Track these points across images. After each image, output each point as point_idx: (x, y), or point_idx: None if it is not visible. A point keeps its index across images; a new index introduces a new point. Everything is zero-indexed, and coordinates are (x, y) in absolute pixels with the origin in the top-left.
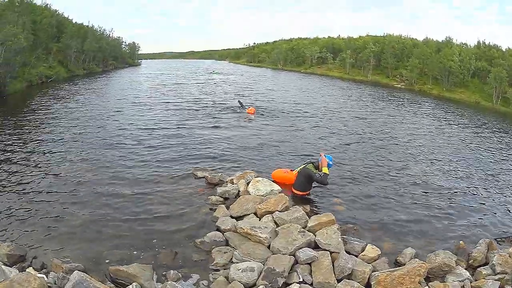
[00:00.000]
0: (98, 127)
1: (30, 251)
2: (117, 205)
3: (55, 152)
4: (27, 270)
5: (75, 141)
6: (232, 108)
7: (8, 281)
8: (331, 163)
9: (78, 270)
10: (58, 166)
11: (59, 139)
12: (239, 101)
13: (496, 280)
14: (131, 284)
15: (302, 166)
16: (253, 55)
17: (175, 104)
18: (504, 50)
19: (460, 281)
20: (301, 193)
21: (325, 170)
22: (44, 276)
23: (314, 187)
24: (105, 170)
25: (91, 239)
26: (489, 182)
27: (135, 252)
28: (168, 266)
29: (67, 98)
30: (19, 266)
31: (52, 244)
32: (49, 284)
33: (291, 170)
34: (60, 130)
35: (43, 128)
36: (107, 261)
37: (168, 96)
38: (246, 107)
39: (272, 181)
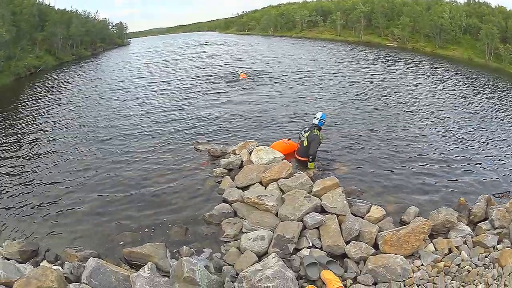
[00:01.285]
0: (94, 112)
1: (42, 245)
2: (122, 187)
3: (54, 141)
4: (41, 264)
5: (72, 129)
6: (226, 78)
7: (24, 278)
8: (323, 121)
9: (93, 257)
10: (58, 155)
11: (56, 129)
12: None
13: (495, 234)
14: (146, 264)
15: (309, 132)
16: (242, 24)
17: (169, 80)
18: (493, 7)
19: (462, 237)
20: (312, 161)
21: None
22: (60, 267)
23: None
24: (105, 154)
25: (101, 224)
26: (486, 140)
27: (146, 232)
28: (180, 242)
29: (58, 87)
30: (33, 262)
31: (63, 234)
32: (65, 275)
33: (289, 139)
34: (56, 119)
35: (37, 120)
36: (120, 243)
37: (161, 73)
38: (239, 73)
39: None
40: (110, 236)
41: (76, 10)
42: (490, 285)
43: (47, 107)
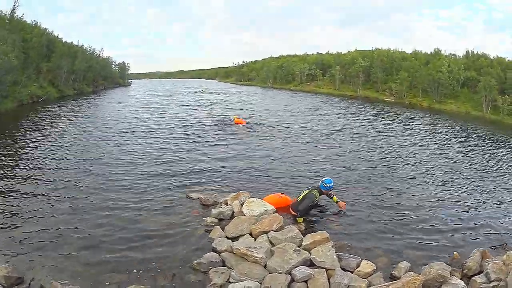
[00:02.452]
0: (90, 149)
1: (28, 273)
2: (113, 227)
3: (48, 173)
4: None
5: (67, 163)
6: (221, 124)
7: None
8: (331, 185)
9: None
10: (52, 188)
11: (51, 160)
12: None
13: (491, 287)
14: None
15: (308, 191)
16: (242, 74)
17: (165, 126)
18: (492, 58)
19: None
20: (300, 216)
21: (335, 198)
22: None
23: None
24: (98, 193)
25: (89, 261)
26: (480, 192)
27: (133, 274)
28: (167, 287)
29: (58, 119)
30: None
31: (50, 265)
32: None
33: (283, 193)
34: (52, 151)
35: (35, 148)
36: (106, 283)
37: (158, 118)
38: (233, 118)
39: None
40: (97, 274)
41: (82, 45)
42: None
43: (44, 138)
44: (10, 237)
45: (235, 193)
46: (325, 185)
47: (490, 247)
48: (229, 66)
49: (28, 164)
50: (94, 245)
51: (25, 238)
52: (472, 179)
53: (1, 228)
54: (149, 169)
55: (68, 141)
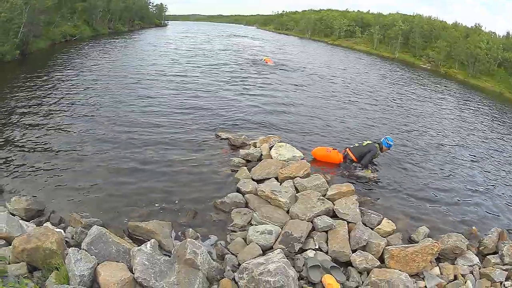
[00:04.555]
0: (120, 87)
1: (48, 206)
2: (138, 162)
3: (75, 110)
4: (44, 224)
5: (96, 100)
6: (254, 64)
7: (25, 235)
8: (392, 144)
9: (97, 225)
10: (80, 123)
11: (80, 98)
12: (259, 58)
13: (504, 270)
14: (149, 240)
15: (370, 142)
16: (281, 23)
17: (199, 67)
18: None
19: (469, 266)
20: (355, 159)
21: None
22: (62, 230)
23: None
24: (127, 128)
25: (111, 195)
26: (508, 173)
27: (154, 210)
28: (187, 224)
29: (88, 57)
30: (37, 221)
31: (71, 199)
32: (66, 239)
33: (334, 149)
34: (80, 88)
35: (63, 86)
36: (126, 217)
37: (193, 59)
38: (264, 59)
39: (312, 159)
40: (118, 208)
41: None
42: None
43: (72, 76)
44: (32, 171)
45: (265, 136)
46: (388, 143)
47: (509, 230)
48: (269, 15)
49: (53, 101)
50: (117, 179)
51: (48, 170)
52: (502, 160)
53: (23, 162)
54: (180, 109)
55: (97, 76)
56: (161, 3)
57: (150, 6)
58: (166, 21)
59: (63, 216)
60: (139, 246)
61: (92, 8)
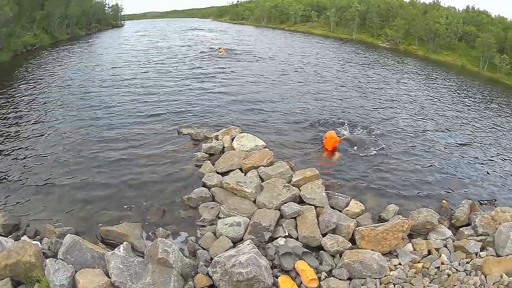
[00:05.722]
0: (82, 91)
1: (23, 219)
2: (104, 166)
3: (41, 119)
4: (22, 238)
5: (60, 107)
6: (211, 58)
7: (5, 251)
8: None
9: (70, 234)
10: (42, 132)
11: (44, 106)
12: (214, 48)
13: (478, 241)
14: (121, 243)
15: None
16: (236, 13)
17: (156, 64)
18: (493, 16)
19: (442, 240)
20: None
21: None
22: (38, 242)
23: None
24: (90, 133)
25: (81, 202)
26: (473, 147)
27: (124, 212)
28: (157, 223)
29: (49, 65)
30: (14, 236)
31: (44, 210)
32: (43, 250)
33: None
34: (44, 96)
35: (28, 97)
36: (97, 222)
37: (149, 57)
38: (218, 49)
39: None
40: (89, 214)
41: None
42: None
43: (36, 86)
44: (5, 185)
45: (226, 128)
46: None
47: (479, 201)
48: (224, 6)
49: (19, 114)
50: (85, 184)
51: (20, 184)
52: (465, 133)
53: None
54: (140, 110)
55: (59, 83)
56: (116, 4)
57: (106, 8)
58: (122, 22)
59: (38, 228)
60: (112, 250)
61: (50, 16)
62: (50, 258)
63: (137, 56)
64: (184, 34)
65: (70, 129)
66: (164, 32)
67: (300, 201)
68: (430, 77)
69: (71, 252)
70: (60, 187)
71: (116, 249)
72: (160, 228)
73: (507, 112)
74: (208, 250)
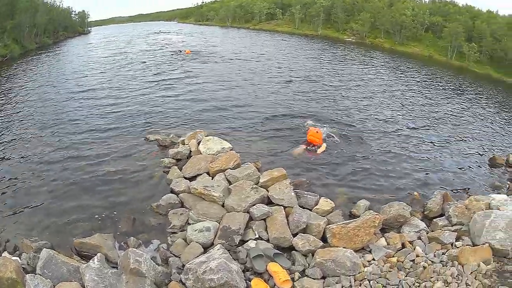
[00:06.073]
0: (49, 105)
1: (2, 235)
2: (74, 179)
3: (7, 131)
4: (2, 254)
5: (27, 118)
6: (176, 60)
7: None
8: None
9: (46, 248)
10: (11, 146)
11: (11, 119)
12: (179, 50)
13: (452, 231)
14: (95, 254)
15: None
16: (201, 14)
17: (121, 71)
18: (460, 6)
19: (416, 232)
20: None
21: None
22: (18, 258)
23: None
24: (58, 144)
25: (55, 215)
26: (443, 137)
27: (96, 223)
28: (128, 233)
29: (18, 77)
30: None
31: (21, 225)
32: (23, 266)
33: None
34: (12, 108)
35: None
36: (71, 235)
37: (114, 63)
38: (184, 51)
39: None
40: (63, 226)
41: None
42: (450, 283)
43: (5, 100)
44: None
45: (191, 132)
46: None
47: (452, 191)
48: (188, 7)
49: None
50: (57, 198)
51: None
52: (436, 124)
53: None
54: (107, 117)
55: (26, 95)
56: (83, 10)
57: (73, 15)
58: (89, 28)
59: (17, 244)
60: (87, 262)
61: (20, 25)
62: (30, 274)
63: (103, 64)
64: (150, 38)
65: (39, 143)
66: (130, 37)
67: (269, 202)
68: (399, 69)
69: (48, 266)
70: (33, 201)
71: (90, 261)
72: (132, 237)
73: (477, 101)
74: (179, 257)
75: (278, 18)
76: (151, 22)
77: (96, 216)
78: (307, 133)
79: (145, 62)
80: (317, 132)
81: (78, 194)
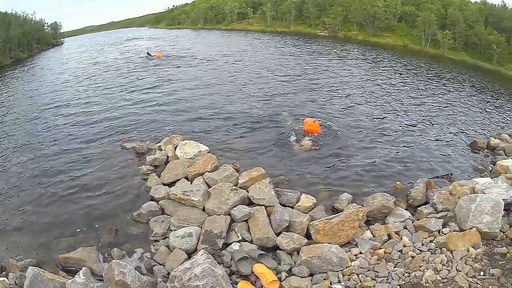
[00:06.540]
0: (24, 120)
1: None
2: (53, 192)
3: None
4: None
5: (2, 134)
6: (149, 68)
7: None
8: None
9: (32, 265)
10: None
11: None
12: (147, 53)
13: (438, 218)
14: (81, 269)
15: None
16: (172, 18)
17: (97, 78)
18: None
19: (401, 222)
20: None
21: None
22: (5, 278)
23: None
24: (33, 161)
25: (37, 231)
26: (423, 125)
27: (78, 237)
28: (111, 244)
29: None
30: None
31: (4, 244)
32: (11, 286)
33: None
34: None
35: None
36: (55, 250)
37: (86, 74)
38: (154, 55)
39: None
40: (46, 243)
41: (15, 12)
42: (440, 271)
43: None
44: None
45: (167, 138)
46: None
47: (435, 178)
48: (160, 12)
49: None
50: (38, 214)
51: None
52: (414, 113)
53: None
54: (82, 129)
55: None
56: (55, 21)
57: (46, 27)
58: (62, 39)
59: (3, 264)
60: (73, 277)
61: None
62: None
63: (77, 75)
64: (122, 45)
65: (14, 159)
66: (102, 46)
67: (250, 202)
68: (374, 60)
69: (35, 284)
70: (15, 218)
71: (76, 276)
72: (115, 248)
73: (455, 87)
74: (164, 265)
75: (249, 17)
76: (123, 29)
77: (78, 230)
78: (304, 124)
79: (117, 70)
80: (314, 121)
81: (59, 208)
